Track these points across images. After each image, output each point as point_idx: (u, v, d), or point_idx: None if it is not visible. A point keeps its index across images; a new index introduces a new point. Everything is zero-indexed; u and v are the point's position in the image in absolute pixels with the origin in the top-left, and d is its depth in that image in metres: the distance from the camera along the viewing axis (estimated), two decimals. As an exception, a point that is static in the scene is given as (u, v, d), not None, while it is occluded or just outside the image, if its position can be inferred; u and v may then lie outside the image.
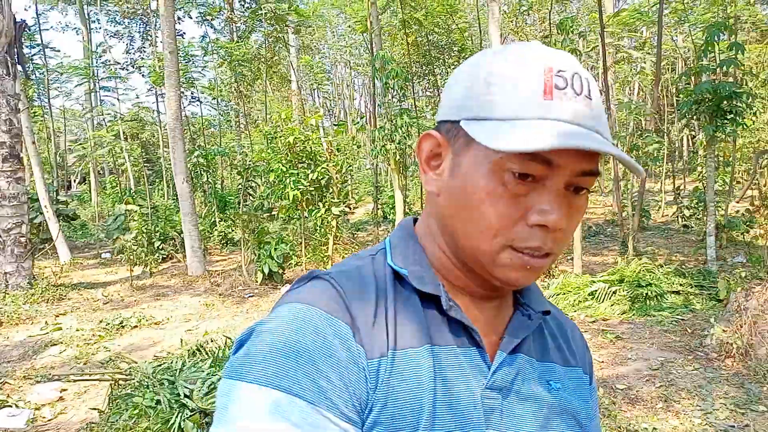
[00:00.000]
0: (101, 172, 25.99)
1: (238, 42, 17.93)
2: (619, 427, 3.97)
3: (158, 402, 3.68)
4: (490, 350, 0.71)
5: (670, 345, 5.79)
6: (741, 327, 5.14)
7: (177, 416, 3.42)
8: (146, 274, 10.42)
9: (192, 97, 20.89)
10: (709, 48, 7.94)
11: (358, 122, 11.79)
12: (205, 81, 21.40)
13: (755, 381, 4.64)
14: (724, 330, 5.30)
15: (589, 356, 0.87)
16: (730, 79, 14.54)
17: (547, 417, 0.71)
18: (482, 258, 0.67)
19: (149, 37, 23.03)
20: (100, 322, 7.50)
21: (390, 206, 13.07)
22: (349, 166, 10.50)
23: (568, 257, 9.66)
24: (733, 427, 3.92)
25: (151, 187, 18.82)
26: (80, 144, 23.04)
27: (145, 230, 10.63)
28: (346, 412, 0.60)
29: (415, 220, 0.80)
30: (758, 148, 14.28)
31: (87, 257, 13.19)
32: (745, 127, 8.50)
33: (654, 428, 3.94)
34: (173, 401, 3.57)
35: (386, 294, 0.69)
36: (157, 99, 19.91)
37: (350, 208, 10.81)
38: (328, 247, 9.33)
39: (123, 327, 7.34)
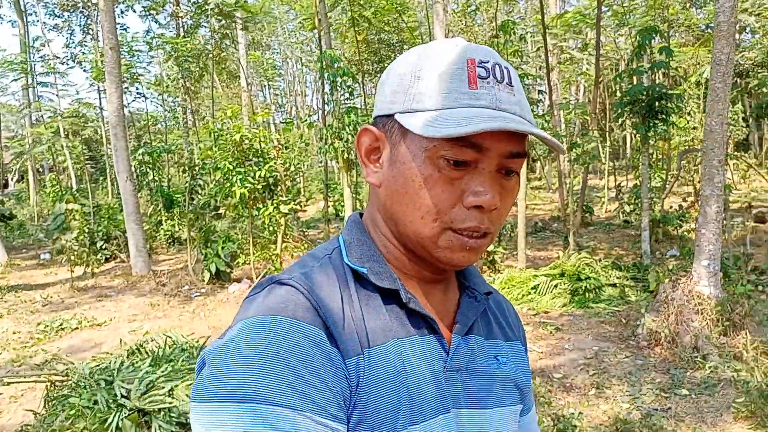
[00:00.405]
0: (40, 169, 25.02)
1: (184, 37, 17.57)
2: (553, 414, 4.14)
3: (96, 402, 3.62)
4: (445, 333, 0.75)
5: (605, 335, 6.06)
6: (668, 317, 5.43)
7: (115, 416, 3.38)
8: (88, 275, 10.13)
9: (137, 93, 20.37)
10: (643, 51, 8.30)
11: (306, 120, 11.76)
12: (150, 77, 20.91)
13: (680, 367, 4.92)
14: (653, 320, 5.58)
15: (522, 328, 0.94)
16: (667, 81, 15.20)
17: (498, 388, 0.79)
18: (424, 242, 0.71)
19: (90, 31, 22.30)
20: (39, 324, 7.29)
21: (341, 204, 13.12)
22: (298, 163, 10.46)
23: (513, 252, 9.93)
24: (657, 410, 4.15)
25: (94, 185, 18.26)
26: (17, 141, 22.13)
27: (87, 230, 10.33)
28: (334, 411, 0.61)
29: (362, 215, 0.82)
30: (694, 147, 14.96)
31: (25, 258, 12.71)
32: (675, 126, 8.92)
33: (580, 413, 4.14)
34: (111, 401, 3.53)
35: (350, 294, 0.71)
36: (99, 95, 19.32)
37: (301, 206, 10.78)
38: (276, 246, 9.28)
39: (63, 329, 7.14)
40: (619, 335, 5.97)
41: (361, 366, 0.66)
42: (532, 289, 7.70)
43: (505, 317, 0.90)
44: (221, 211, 11.93)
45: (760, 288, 6.70)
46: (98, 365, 4.29)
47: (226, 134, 9.69)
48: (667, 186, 12.21)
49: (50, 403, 4.02)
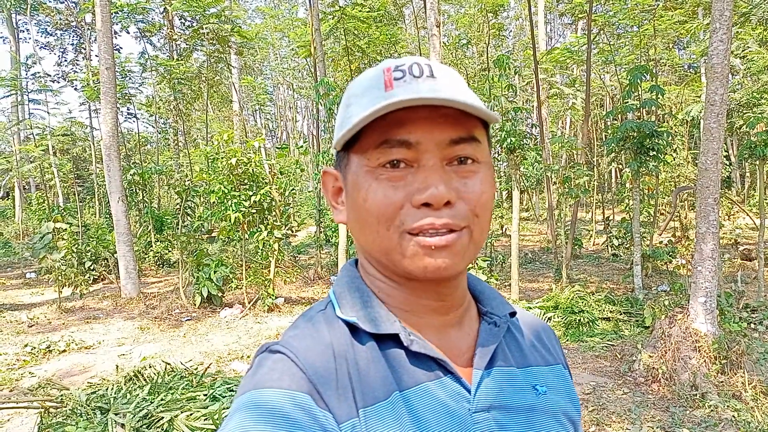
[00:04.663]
0: (26, 187, 24.72)
1: (178, 60, 17.63)
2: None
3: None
4: (465, 371, 0.69)
5: (601, 370, 6.06)
6: (665, 353, 5.46)
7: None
8: (76, 296, 9.96)
9: (128, 113, 20.33)
10: (633, 89, 8.49)
11: (301, 146, 11.81)
12: (142, 97, 20.90)
13: (679, 405, 4.93)
14: (650, 356, 5.60)
15: (561, 350, 0.85)
16: (653, 118, 15.54)
17: (541, 423, 0.70)
18: (393, 257, 0.67)
19: (83, 50, 22.28)
20: (25, 346, 7.12)
21: (332, 230, 13.10)
22: (292, 188, 10.46)
23: (506, 283, 9.96)
24: (660, 448, 4.15)
25: (81, 204, 18.05)
26: (5, 157, 21.89)
27: (75, 249, 10.19)
28: None
29: (357, 262, 0.78)
30: (679, 183, 15.27)
31: (10, 277, 12.47)
32: (666, 163, 9.10)
33: (588, 450, 4.12)
34: (111, 430, 3.45)
35: (344, 350, 0.66)
36: (90, 114, 19.24)
37: (292, 231, 10.75)
38: (269, 270, 9.22)
39: (50, 351, 6.99)
40: (616, 370, 5.98)
41: (358, 429, 0.60)
42: (525, 321, 7.70)
43: (540, 339, 0.82)
44: (214, 234, 11.84)
45: (752, 325, 6.77)
46: (94, 392, 4.21)
47: (222, 158, 9.69)
48: (654, 220, 12.39)
49: (44, 431, 3.92)
